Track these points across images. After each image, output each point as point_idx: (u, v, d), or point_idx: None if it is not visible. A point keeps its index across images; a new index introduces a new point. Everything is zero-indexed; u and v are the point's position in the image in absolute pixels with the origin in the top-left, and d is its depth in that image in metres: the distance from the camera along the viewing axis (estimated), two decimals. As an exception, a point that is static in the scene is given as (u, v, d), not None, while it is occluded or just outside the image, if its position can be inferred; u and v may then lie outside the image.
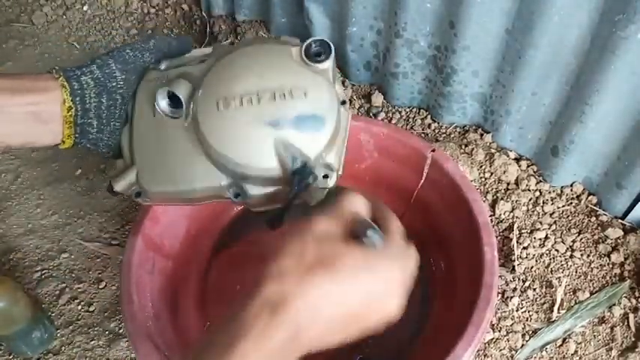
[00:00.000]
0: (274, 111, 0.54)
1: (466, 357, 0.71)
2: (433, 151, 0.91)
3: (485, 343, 0.92)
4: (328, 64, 0.58)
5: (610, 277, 0.99)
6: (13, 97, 0.56)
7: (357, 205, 0.51)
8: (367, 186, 1.01)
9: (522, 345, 0.93)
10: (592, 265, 1.00)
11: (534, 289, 0.98)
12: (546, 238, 1.02)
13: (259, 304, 0.42)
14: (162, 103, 0.59)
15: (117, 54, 0.61)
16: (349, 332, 0.46)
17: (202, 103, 0.56)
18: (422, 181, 0.94)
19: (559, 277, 0.98)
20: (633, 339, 0.93)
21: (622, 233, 1.02)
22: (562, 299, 0.96)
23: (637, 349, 0.91)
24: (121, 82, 0.61)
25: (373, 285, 0.46)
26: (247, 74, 0.56)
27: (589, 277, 0.99)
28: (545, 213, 1.05)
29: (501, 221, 1.05)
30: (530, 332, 0.94)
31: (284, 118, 0.54)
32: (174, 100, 0.59)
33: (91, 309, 0.98)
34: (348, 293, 0.44)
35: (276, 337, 0.41)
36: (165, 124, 0.59)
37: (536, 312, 0.96)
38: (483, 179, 1.09)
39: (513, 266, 0.99)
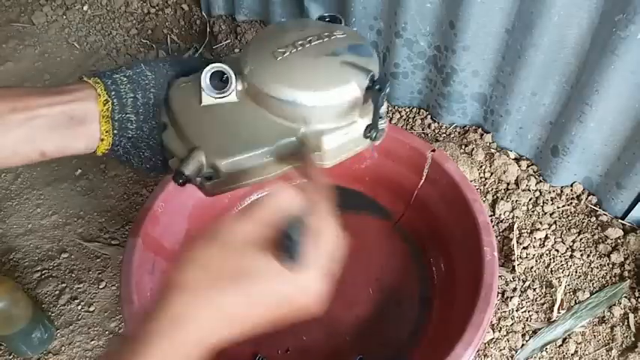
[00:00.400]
0: (328, 45, 0.58)
1: (466, 357, 0.71)
2: (433, 151, 0.91)
3: (485, 343, 0.92)
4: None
5: (610, 277, 0.99)
6: (43, 98, 0.52)
7: (284, 202, 0.45)
8: (367, 186, 1.01)
9: (522, 345, 0.93)
10: (592, 265, 1.00)
11: (534, 289, 0.98)
12: (546, 238, 1.02)
13: (165, 320, 0.40)
14: (210, 86, 0.58)
15: (141, 61, 0.61)
16: (265, 327, 0.45)
17: (256, 62, 0.57)
18: (422, 181, 0.94)
19: (559, 277, 0.98)
20: (633, 339, 0.93)
21: (622, 233, 1.02)
22: (562, 299, 0.96)
23: (637, 349, 0.91)
24: (153, 81, 0.59)
25: (286, 297, 0.43)
26: (291, 29, 0.59)
27: (589, 277, 0.99)
28: (545, 213, 1.05)
29: (501, 221, 1.05)
30: (530, 332, 0.94)
31: (340, 47, 0.58)
32: (220, 84, 0.58)
33: (91, 309, 0.98)
34: (257, 305, 0.42)
35: (181, 352, 0.40)
36: (216, 106, 0.58)
37: (536, 312, 0.96)
38: (483, 179, 1.09)
39: (513, 266, 0.99)
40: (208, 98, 0.58)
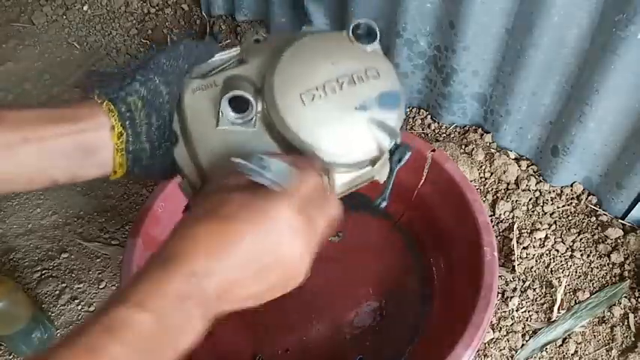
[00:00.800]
0: (359, 93, 0.55)
1: (466, 357, 0.71)
2: (433, 151, 0.91)
3: (485, 343, 0.92)
4: (377, 44, 0.58)
5: (610, 277, 0.99)
6: (54, 127, 0.51)
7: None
8: (366, 186, 1.01)
9: (522, 345, 0.93)
10: (592, 265, 1.00)
11: (534, 289, 0.98)
12: (546, 238, 1.02)
13: (155, 258, 0.42)
14: (229, 112, 0.55)
15: (154, 66, 0.56)
16: (262, 283, 0.43)
17: (281, 101, 0.54)
18: (422, 181, 0.94)
19: (559, 277, 0.98)
20: (633, 339, 0.93)
21: (622, 233, 1.02)
22: (562, 299, 0.96)
23: (637, 349, 0.91)
24: (167, 97, 0.56)
25: (266, 230, 0.42)
26: (321, 64, 0.56)
27: (589, 277, 0.99)
28: (545, 213, 1.05)
29: (501, 221, 1.05)
30: (530, 332, 0.94)
31: (369, 98, 0.55)
32: (238, 105, 0.55)
33: (91, 309, 0.98)
34: (241, 240, 0.42)
35: (172, 286, 0.40)
36: (232, 131, 0.56)
37: (536, 312, 0.96)
38: (483, 179, 1.09)
39: (513, 266, 0.99)
40: (226, 122, 0.55)
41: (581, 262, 1.00)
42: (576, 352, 0.92)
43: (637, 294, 0.96)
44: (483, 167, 1.10)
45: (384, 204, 0.59)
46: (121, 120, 0.53)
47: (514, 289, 0.97)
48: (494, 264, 0.79)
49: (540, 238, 1.02)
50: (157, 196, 0.86)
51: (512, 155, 1.12)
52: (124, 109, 0.53)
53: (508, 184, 1.09)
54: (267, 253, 0.42)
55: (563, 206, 1.06)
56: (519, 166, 1.10)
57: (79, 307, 0.99)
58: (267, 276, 0.43)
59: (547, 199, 1.07)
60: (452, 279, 0.90)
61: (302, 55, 0.57)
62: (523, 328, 0.94)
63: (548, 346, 0.92)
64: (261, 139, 0.55)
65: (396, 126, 0.56)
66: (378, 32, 0.57)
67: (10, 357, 0.94)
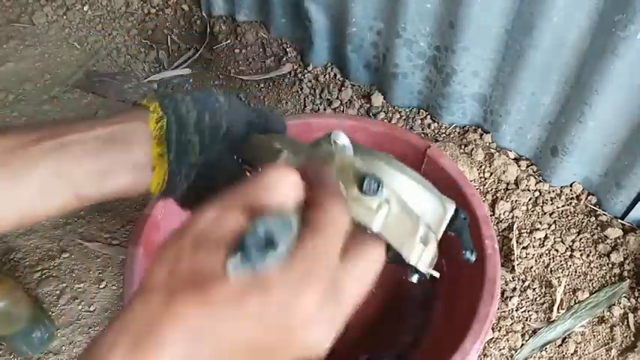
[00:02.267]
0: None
1: (474, 350, 0.71)
2: (428, 147, 0.91)
3: (485, 343, 0.93)
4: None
5: (610, 277, 0.99)
6: (79, 124, 0.42)
7: (274, 185, 0.32)
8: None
9: (522, 345, 0.93)
10: (592, 265, 1.00)
11: (534, 289, 0.98)
12: (546, 238, 1.02)
13: (119, 331, 0.30)
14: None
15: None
16: None
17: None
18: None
19: (559, 277, 0.99)
20: (633, 339, 0.93)
21: (621, 233, 1.02)
22: (562, 299, 0.96)
23: (636, 349, 0.91)
24: (226, 107, 0.45)
25: (267, 319, 0.30)
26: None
27: (589, 277, 0.99)
28: (545, 213, 1.06)
29: (501, 221, 1.05)
30: (530, 332, 0.94)
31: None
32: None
33: (91, 309, 0.99)
34: (228, 329, 0.30)
35: None
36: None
37: (536, 312, 0.96)
38: (483, 179, 1.09)
39: (513, 266, 0.99)
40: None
41: (581, 261, 1.00)
42: (576, 351, 0.92)
43: (636, 294, 0.96)
44: (483, 167, 1.10)
45: (473, 257, 0.53)
46: (162, 107, 0.42)
47: (514, 289, 0.98)
48: (495, 257, 0.79)
49: (540, 238, 1.02)
50: (158, 201, 0.86)
51: (512, 155, 1.12)
52: (168, 101, 0.43)
53: (508, 184, 1.09)
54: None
55: (563, 206, 1.07)
56: (519, 166, 1.10)
57: (80, 307, 0.99)
58: None
59: (547, 199, 1.07)
60: (454, 275, 0.90)
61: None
62: (523, 328, 0.94)
63: (547, 346, 0.93)
64: None
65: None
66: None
67: (11, 357, 0.94)
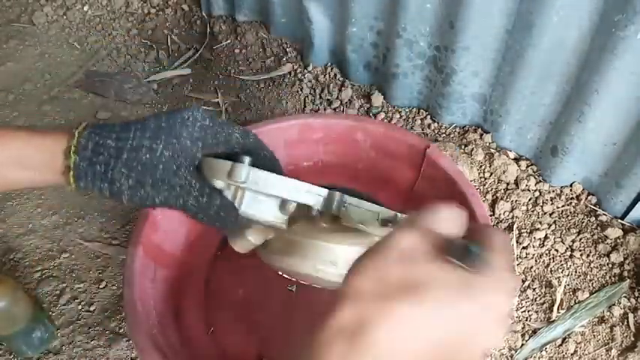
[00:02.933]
0: None
1: None
2: (428, 147, 0.91)
3: (485, 343, 0.92)
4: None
5: (609, 277, 0.99)
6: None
7: (448, 222, 0.41)
8: (365, 184, 1.01)
9: (522, 345, 0.93)
10: (592, 265, 1.00)
11: (534, 289, 0.98)
12: (546, 238, 1.02)
13: (334, 331, 0.36)
14: None
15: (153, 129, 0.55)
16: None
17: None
18: (419, 177, 0.94)
19: (559, 277, 0.99)
20: (633, 339, 0.93)
21: (621, 233, 1.02)
22: (562, 299, 0.96)
23: (636, 349, 0.91)
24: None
25: (470, 318, 0.37)
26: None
27: (589, 277, 0.99)
28: (545, 213, 1.06)
29: (501, 221, 1.05)
30: (530, 332, 0.94)
31: None
32: None
33: (91, 309, 0.99)
34: (437, 327, 0.36)
35: None
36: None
37: (536, 312, 0.96)
38: (483, 179, 1.09)
39: (513, 266, 0.99)
40: None
41: (581, 261, 1.00)
42: (576, 351, 0.92)
43: (636, 294, 0.97)
44: (483, 167, 1.10)
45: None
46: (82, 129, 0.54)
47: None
48: None
49: (540, 238, 1.02)
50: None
51: (512, 155, 1.12)
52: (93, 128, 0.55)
53: (508, 184, 1.09)
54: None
55: (563, 206, 1.07)
56: (519, 166, 1.10)
57: (80, 307, 0.99)
58: None
59: (547, 199, 1.07)
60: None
61: None
62: (523, 328, 0.94)
63: (547, 346, 0.93)
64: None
65: None
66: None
67: (11, 357, 0.94)
